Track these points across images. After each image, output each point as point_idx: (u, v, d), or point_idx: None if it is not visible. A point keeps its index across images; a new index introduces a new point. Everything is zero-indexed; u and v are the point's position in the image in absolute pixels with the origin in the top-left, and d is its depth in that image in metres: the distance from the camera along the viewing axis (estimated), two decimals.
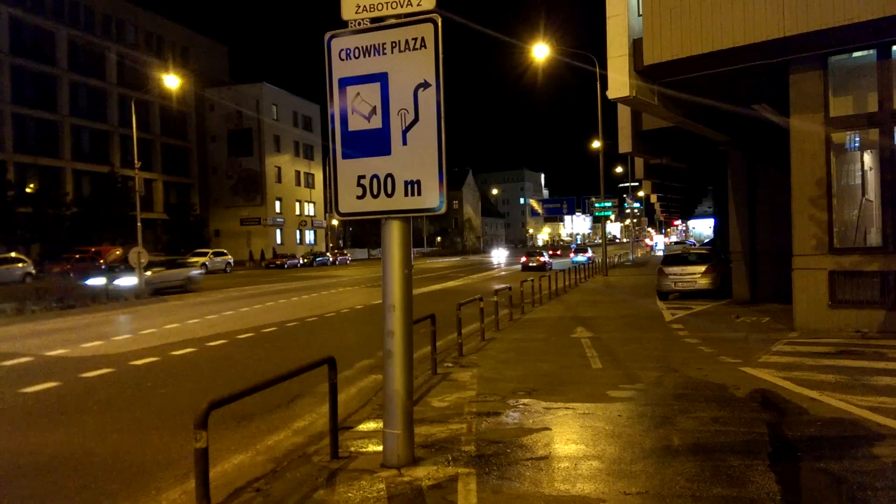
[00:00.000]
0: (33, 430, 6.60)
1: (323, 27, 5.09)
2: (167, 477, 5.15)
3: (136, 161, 30.54)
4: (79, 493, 4.92)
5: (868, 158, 11.47)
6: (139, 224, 28.16)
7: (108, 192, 48.92)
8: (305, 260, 57.69)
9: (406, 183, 4.86)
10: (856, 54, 11.07)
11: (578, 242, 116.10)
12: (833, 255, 11.01)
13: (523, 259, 41.70)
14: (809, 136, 11.18)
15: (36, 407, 7.58)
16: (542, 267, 38.06)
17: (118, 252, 38.78)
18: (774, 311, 14.25)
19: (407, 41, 4.81)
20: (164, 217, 58.83)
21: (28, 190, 45.52)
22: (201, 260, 44.18)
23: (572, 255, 52.23)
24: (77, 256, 36.34)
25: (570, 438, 5.63)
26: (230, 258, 48.19)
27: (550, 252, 55.87)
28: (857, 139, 11.53)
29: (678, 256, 19.82)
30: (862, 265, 10.77)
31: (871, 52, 10.68)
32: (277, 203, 71.68)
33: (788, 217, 11.52)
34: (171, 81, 38.48)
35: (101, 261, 34.12)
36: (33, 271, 32.35)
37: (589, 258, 46.01)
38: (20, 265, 32.76)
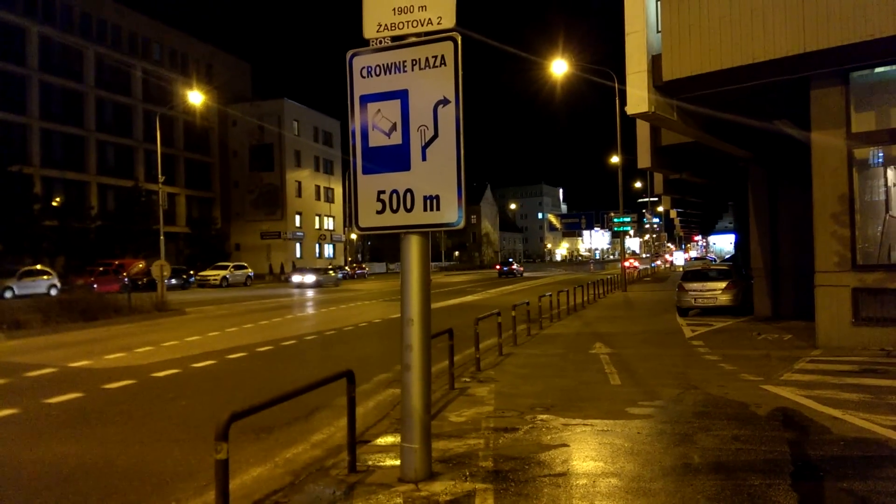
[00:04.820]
0: (56, 440, 6.71)
1: (345, 45, 5.19)
2: (187, 488, 5.20)
3: (159, 175, 31.11)
4: (100, 503, 4.99)
5: (892, 174, 11.31)
6: (162, 237, 28.57)
7: (132, 206, 49.75)
8: None
9: (425, 198, 4.91)
10: (878, 69, 10.97)
11: (596, 258, 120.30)
12: (856, 272, 10.86)
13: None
14: (831, 151, 11.08)
15: (59, 417, 7.69)
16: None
17: (141, 265, 39.33)
18: (797, 328, 14.05)
19: (427, 59, 4.88)
20: (186, 231, 59.62)
21: (54, 203, 46.39)
22: (222, 273, 44.64)
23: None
24: (101, 269, 36.90)
25: (588, 455, 5.59)
26: (250, 272, 48.53)
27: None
28: (881, 155, 11.40)
29: (698, 272, 19.59)
30: (886, 282, 10.60)
31: (894, 67, 10.59)
32: (297, 217, 72.27)
33: (810, 233, 11.39)
34: (195, 98, 39.07)
35: (124, 273, 34.61)
36: (58, 283, 32.80)
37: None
38: (45, 277, 33.32)
